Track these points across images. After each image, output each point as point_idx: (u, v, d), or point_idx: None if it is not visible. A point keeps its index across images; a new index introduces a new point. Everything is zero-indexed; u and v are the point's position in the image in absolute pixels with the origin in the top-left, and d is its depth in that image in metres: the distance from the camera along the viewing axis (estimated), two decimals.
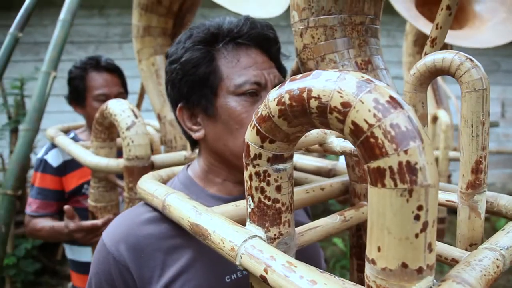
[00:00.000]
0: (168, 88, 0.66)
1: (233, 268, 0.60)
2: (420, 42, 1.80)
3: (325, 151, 0.51)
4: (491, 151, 4.22)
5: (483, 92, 0.45)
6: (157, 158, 0.99)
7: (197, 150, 0.71)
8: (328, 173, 0.77)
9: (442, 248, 0.43)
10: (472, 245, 0.48)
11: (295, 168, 0.82)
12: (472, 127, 0.46)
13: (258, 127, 0.39)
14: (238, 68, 0.60)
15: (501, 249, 0.40)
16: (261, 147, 0.39)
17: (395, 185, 0.27)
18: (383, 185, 0.28)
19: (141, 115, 0.98)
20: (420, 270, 0.29)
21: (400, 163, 0.27)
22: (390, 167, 0.28)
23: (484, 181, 0.47)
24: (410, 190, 0.27)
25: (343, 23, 0.58)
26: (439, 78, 1.81)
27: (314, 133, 0.51)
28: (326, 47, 0.59)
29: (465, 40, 1.32)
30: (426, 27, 1.36)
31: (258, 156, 0.39)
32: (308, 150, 0.54)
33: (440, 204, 0.52)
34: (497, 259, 0.38)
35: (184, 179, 0.67)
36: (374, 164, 0.29)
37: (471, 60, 0.46)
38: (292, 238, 0.42)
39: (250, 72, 0.60)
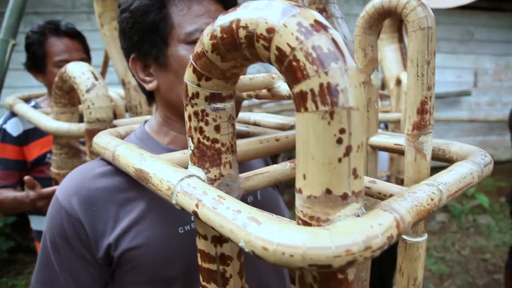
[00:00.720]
0: (121, 40, 0.64)
1: (186, 219, 0.60)
2: None
3: (273, 96, 0.50)
4: (463, 119, 4.33)
5: (428, 30, 0.45)
6: (120, 122, 0.96)
7: None
8: (291, 129, 0.76)
9: (381, 185, 0.44)
10: None
11: (259, 125, 0.81)
12: (417, 66, 0.46)
13: (194, 65, 0.37)
14: (189, 16, 0.58)
15: (439, 184, 0.40)
16: (198, 85, 0.38)
17: (316, 107, 0.27)
18: (306, 109, 0.27)
19: (101, 77, 0.95)
20: (344, 197, 0.28)
21: (321, 85, 0.27)
22: (312, 90, 0.27)
23: (429, 122, 0.47)
24: (331, 112, 0.27)
25: None
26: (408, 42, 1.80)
27: (260, 77, 0.50)
28: None
29: (429, 1, 1.30)
30: None
31: (196, 95, 0.38)
32: (258, 97, 0.53)
33: (388, 149, 0.53)
34: (433, 193, 0.38)
35: (141, 134, 0.66)
36: (297, 88, 0.28)
37: None
38: (234, 180, 0.41)
39: (201, 20, 0.58)
